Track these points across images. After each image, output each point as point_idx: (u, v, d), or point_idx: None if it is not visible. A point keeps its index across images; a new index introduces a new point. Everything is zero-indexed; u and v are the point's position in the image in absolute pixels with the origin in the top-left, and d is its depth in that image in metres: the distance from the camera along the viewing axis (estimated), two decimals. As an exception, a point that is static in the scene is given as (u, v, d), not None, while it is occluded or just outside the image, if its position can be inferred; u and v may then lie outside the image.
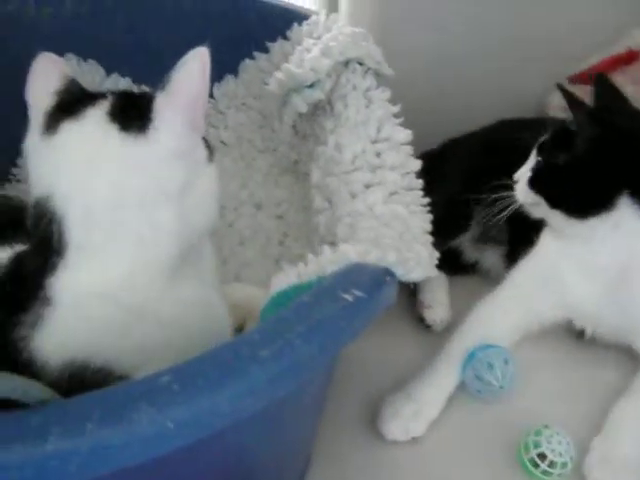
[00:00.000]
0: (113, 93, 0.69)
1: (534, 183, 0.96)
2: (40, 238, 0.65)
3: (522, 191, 0.98)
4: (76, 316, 0.64)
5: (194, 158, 0.69)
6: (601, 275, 0.94)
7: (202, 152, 0.70)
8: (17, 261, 0.70)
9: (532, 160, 1.00)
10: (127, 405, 0.45)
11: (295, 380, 0.51)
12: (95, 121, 0.65)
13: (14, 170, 1.27)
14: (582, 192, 0.92)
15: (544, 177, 0.96)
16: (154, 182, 0.65)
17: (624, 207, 0.89)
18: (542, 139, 0.99)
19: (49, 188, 0.64)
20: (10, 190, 1.23)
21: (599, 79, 1.01)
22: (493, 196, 1.01)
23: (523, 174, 0.99)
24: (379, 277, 0.62)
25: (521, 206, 1.00)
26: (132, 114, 0.65)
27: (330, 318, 0.54)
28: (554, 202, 0.94)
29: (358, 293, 0.56)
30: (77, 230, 0.63)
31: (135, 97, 0.70)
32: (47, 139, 0.66)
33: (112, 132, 0.65)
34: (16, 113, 1.25)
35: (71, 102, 0.68)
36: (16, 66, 1.22)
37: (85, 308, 0.64)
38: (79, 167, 0.64)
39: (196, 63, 0.66)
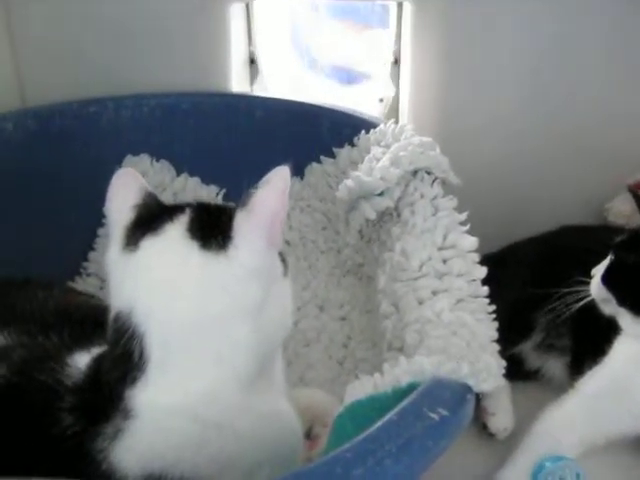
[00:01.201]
0: (191, 206, 0.70)
1: (606, 280, 0.97)
2: (121, 351, 0.66)
3: (596, 286, 0.99)
4: (156, 430, 0.64)
5: (271, 274, 0.69)
6: None
7: (278, 267, 0.71)
8: (96, 368, 0.70)
9: (609, 257, 1.01)
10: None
11: (383, 499, 0.52)
12: (175, 238, 0.67)
13: (84, 264, 1.31)
14: None
15: (615, 275, 0.97)
16: (233, 300, 0.65)
17: None
18: (619, 239, 1.00)
19: (130, 304, 0.65)
20: (81, 283, 1.27)
21: None
22: (566, 290, 1.02)
23: (599, 270, 1.00)
24: (461, 394, 0.63)
25: (587, 309, 1.00)
26: (212, 231, 0.66)
27: (418, 438, 0.55)
28: (621, 300, 0.95)
29: (443, 412, 0.57)
30: (157, 348, 0.64)
31: (214, 212, 0.70)
32: (128, 255, 0.67)
33: (192, 249, 0.65)
34: (89, 208, 1.31)
35: (150, 217, 0.69)
36: (95, 163, 1.30)
37: (165, 423, 0.64)
38: (160, 285, 0.65)
39: (278, 182, 0.67)
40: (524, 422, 1.02)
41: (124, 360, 0.65)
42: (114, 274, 0.68)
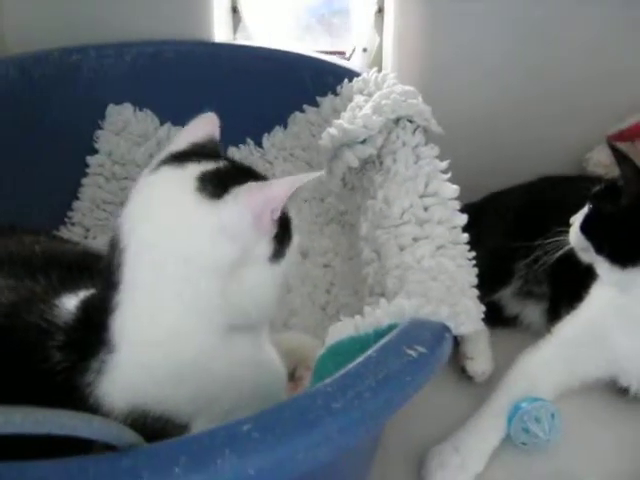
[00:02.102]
0: (228, 160, 0.73)
1: (584, 229, 0.99)
2: (107, 272, 0.68)
3: (574, 235, 1.01)
4: (135, 364, 0.66)
5: (250, 250, 0.68)
6: None
7: (264, 250, 0.69)
8: (85, 308, 0.72)
9: (587, 206, 1.02)
10: (211, 451, 0.48)
11: (363, 431, 0.54)
12: (186, 174, 0.68)
13: (69, 213, 1.32)
14: (624, 242, 0.94)
15: (593, 224, 0.99)
16: (202, 249, 0.66)
17: None
18: (597, 188, 1.01)
19: (122, 219, 0.68)
20: (65, 233, 1.28)
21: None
22: (546, 241, 1.03)
23: (577, 218, 1.02)
24: (439, 333, 0.65)
25: (564, 257, 1.03)
26: (217, 181, 0.68)
27: (396, 373, 0.57)
28: (599, 248, 0.97)
29: (421, 349, 0.59)
30: (130, 268, 0.66)
31: (237, 171, 0.72)
32: (148, 176, 0.70)
33: (190, 187, 0.67)
34: (73, 157, 1.32)
35: (192, 154, 0.72)
36: (77, 112, 1.30)
37: (142, 357, 0.66)
38: (148, 207, 0.68)
39: (287, 183, 0.67)
40: (503, 367, 1.05)
41: (108, 281, 0.67)
42: (131, 193, 0.71)
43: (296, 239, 0.75)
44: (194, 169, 0.69)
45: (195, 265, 0.66)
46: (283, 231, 0.71)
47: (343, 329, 0.74)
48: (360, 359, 0.58)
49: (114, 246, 0.68)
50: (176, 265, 0.66)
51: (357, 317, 0.74)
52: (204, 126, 0.76)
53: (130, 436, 0.49)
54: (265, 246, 0.69)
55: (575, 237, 1.01)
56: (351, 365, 0.57)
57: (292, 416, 0.50)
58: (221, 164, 0.71)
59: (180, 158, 0.71)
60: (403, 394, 0.57)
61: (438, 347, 0.62)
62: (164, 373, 0.65)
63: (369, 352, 0.59)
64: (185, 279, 0.66)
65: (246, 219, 0.66)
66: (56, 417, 0.43)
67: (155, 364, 0.66)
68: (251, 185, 0.67)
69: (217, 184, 0.67)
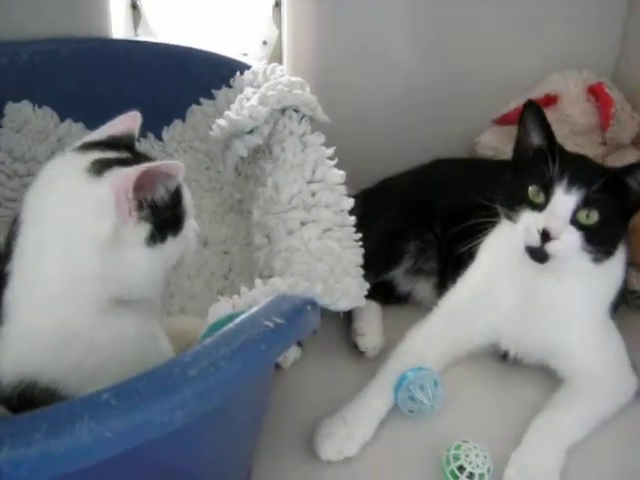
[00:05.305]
0: (135, 153, 0.79)
1: None
2: (7, 246, 0.72)
3: None
4: (21, 333, 0.70)
5: (123, 229, 0.71)
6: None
7: (137, 231, 0.72)
8: None
9: None
10: (71, 418, 0.52)
11: (220, 396, 0.59)
12: (84, 158, 0.73)
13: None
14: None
15: None
16: (82, 219, 0.70)
17: None
18: None
19: (25, 196, 0.73)
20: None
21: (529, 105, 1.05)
22: (475, 221, 1.06)
23: None
24: (300, 306, 0.69)
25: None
26: (106, 165, 0.72)
27: (251, 342, 0.61)
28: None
29: (278, 320, 0.64)
30: (21, 237, 0.71)
31: (134, 160, 0.75)
32: (54, 159, 0.77)
33: (81, 167, 0.72)
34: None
35: (104, 144, 0.77)
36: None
37: (27, 325, 0.70)
38: (46, 183, 0.74)
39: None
40: (396, 342, 1.11)
41: (6, 255, 0.72)
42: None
43: (189, 228, 0.80)
44: (94, 155, 0.74)
45: (76, 236, 0.70)
46: (162, 217, 0.74)
47: (222, 309, 0.78)
48: (220, 332, 0.62)
49: (14, 222, 0.73)
50: (59, 236, 0.70)
51: (235, 297, 0.79)
52: (126, 122, 0.82)
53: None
54: (136, 227, 0.72)
55: None
56: (212, 337, 0.61)
57: (149, 384, 0.55)
58: (123, 154, 0.76)
59: (90, 146, 0.76)
60: (259, 362, 0.62)
61: (297, 319, 0.67)
62: (48, 342, 0.69)
63: (230, 325, 0.63)
64: (66, 249, 0.70)
65: (110, 198, 0.70)
66: None
67: (39, 333, 0.69)
68: (122, 169, 0.72)
69: (104, 167, 0.72)
